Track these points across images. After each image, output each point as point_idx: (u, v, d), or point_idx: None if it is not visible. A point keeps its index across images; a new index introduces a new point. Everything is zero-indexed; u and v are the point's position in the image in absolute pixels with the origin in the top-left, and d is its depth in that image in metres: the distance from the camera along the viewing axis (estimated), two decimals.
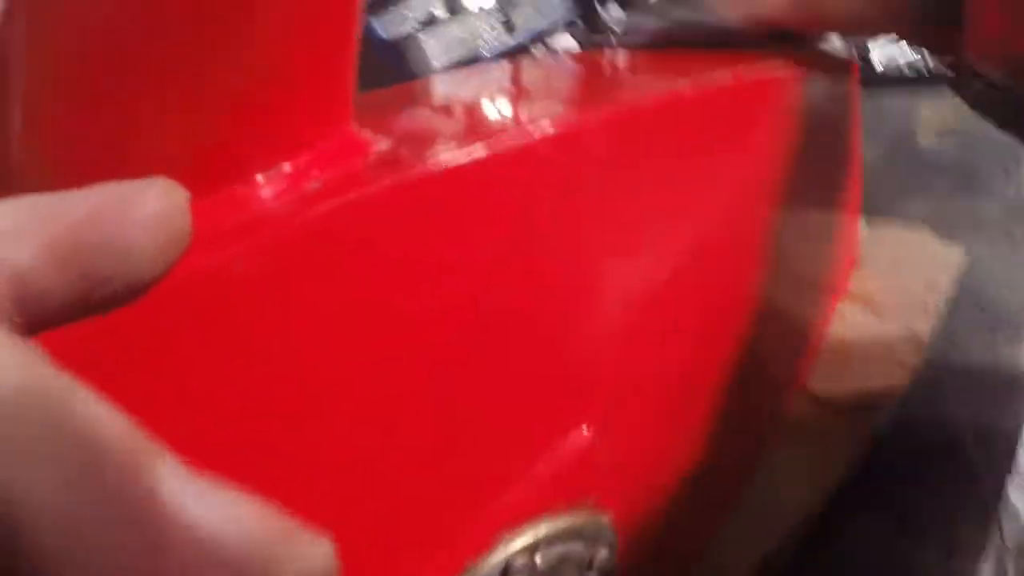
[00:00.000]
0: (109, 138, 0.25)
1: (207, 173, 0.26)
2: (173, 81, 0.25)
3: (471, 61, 1.51)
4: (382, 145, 0.34)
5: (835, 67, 0.78)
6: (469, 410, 0.37)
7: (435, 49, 1.40)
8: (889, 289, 0.79)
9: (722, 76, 0.59)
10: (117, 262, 0.18)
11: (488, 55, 1.55)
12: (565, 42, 1.80)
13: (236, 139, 0.27)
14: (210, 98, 0.26)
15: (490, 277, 0.37)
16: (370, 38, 1.48)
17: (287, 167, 0.28)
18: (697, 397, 0.59)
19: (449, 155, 0.33)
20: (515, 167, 0.38)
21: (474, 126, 0.44)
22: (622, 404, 0.50)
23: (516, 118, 0.46)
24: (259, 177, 0.28)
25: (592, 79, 0.71)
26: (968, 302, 0.80)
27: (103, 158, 0.24)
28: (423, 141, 0.37)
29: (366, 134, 0.33)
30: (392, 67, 1.47)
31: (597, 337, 0.47)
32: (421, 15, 1.45)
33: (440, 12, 1.46)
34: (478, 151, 0.35)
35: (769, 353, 0.66)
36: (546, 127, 0.40)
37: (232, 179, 0.27)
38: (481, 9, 1.54)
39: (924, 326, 0.72)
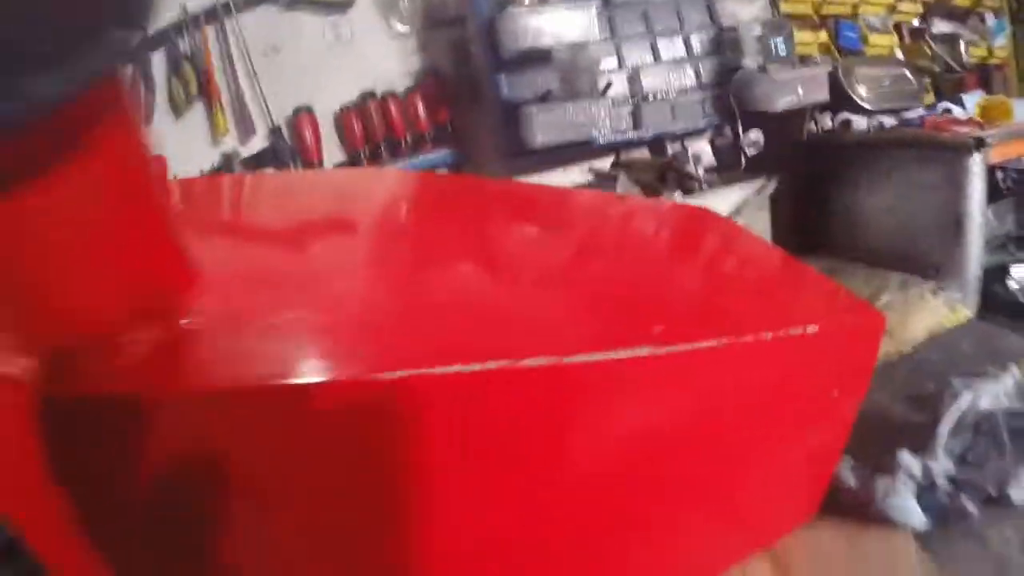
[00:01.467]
0: None
1: None
2: None
3: (584, 144, 1.49)
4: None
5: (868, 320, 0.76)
6: None
7: (543, 125, 1.39)
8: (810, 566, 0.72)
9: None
10: None
11: (601, 143, 1.53)
12: (700, 147, 1.75)
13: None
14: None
15: None
16: (496, 93, 1.50)
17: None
18: None
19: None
20: None
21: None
22: None
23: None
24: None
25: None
26: None
27: None
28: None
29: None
30: (507, 128, 1.48)
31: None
32: (539, 88, 1.45)
33: (557, 89, 1.45)
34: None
35: None
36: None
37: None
38: (609, 98, 1.52)
39: None
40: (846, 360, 0.72)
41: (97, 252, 0.39)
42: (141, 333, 0.41)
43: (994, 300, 1.57)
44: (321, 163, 1.71)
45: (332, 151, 1.75)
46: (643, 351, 0.52)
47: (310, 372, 0.41)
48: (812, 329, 0.66)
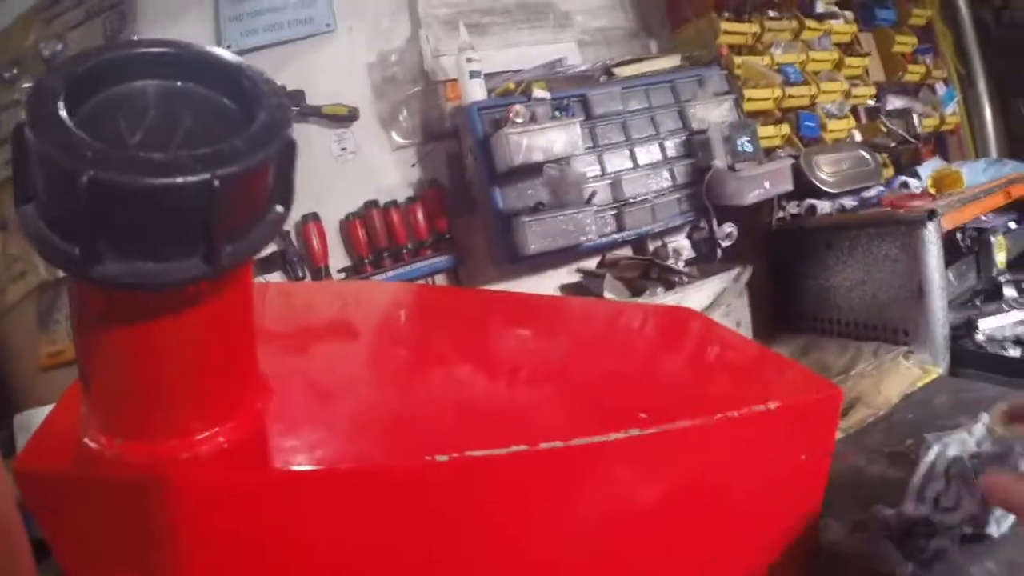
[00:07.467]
0: None
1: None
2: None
3: (572, 248, 1.66)
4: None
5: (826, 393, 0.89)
6: None
7: (535, 235, 1.56)
8: None
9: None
10: None
11: (588, 246, 1.70)
12: (680, 242, 1.92)
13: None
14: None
15: None
16: (492, 205, 1.67)
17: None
18: None
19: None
20: None
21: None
22: None
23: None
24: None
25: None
26: None
27: None
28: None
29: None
30: (502, 236, 1.65)
31: None
32: (531, 200, 1.64)
33: (547, 200, 1.63)
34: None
35: None
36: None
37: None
38: (594, 205, 1.70)
39: None
40: (809, 428, 0.85)
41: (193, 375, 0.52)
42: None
43: (964, 354, 1.71)
44: (327, 268, 1.87)
45: (338, 256, 1.92)
46: (632, 432, 0.66)
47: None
48: (774, 405, 0.79)
